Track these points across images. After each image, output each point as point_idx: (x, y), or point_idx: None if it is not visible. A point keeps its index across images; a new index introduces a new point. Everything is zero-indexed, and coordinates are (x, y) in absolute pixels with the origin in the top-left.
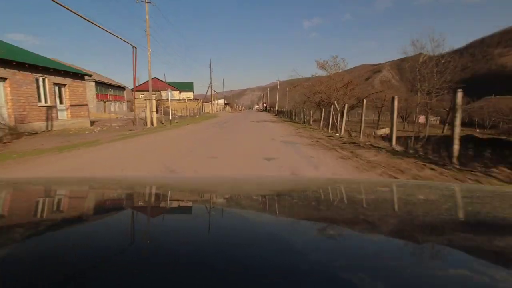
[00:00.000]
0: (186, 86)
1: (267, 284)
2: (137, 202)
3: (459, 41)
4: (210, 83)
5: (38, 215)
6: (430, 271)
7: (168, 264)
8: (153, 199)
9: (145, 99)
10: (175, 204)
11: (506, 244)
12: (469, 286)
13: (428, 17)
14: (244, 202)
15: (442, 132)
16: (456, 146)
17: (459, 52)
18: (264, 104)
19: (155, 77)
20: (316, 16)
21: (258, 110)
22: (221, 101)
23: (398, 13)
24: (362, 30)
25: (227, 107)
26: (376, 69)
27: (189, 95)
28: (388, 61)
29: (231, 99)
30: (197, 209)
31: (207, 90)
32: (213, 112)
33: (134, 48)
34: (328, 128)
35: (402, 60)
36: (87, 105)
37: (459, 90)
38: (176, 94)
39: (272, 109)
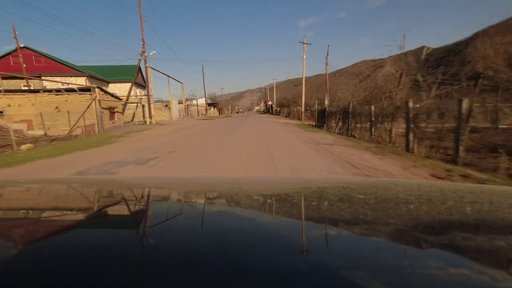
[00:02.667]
0: (122, 72)
1: (267, 284)
2: (136, 202)
3: (460, 34)
4: (143, 50)
5: (35, 216)
6: (430, 271)
7: (167, 264)
8: (152, 199)
9: None
10: (174, 204)
11: (506, 244)
12: (469, 286)
13: (427, 9)
14: (243, 202)
15: None
16: None
17: (463, 44)
18: (269, 103)
19: (24, 47)
20: (311, 15)
21: (258, 112)
22: (202, 101)
23: (394, 6)
24: (359, 26)
25: (212, 109)
26: (378, 64)
27: (125, 87)
28: (390, 56)
29: (229, 102)
30: (196, 209)
31: (137, 70)
32: (153, 121)
33: None
34: None
35: (405, 54)
36: None
37: None
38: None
39: (284, 109)
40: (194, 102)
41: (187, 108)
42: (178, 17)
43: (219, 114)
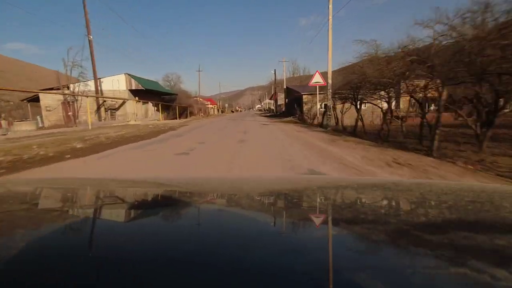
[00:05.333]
0: None
1: (268, 284)
2: (134, 202)
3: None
4: None
5: (38, 216)
6: (430, 270)
7: (167, 264)
8: (151, 199)
9: None
10: (173, 204)
11: (506, 243)
12: (470, 286)
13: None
14: (243, 202)
15: None
16: None
17: None
18: (323, 81)
19: None
20: (314, 13)
21: (260, 111)
22: (123, 86)
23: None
24: (361, 23)
25: (149, 109)
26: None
27: None
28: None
29: (229, 101)
30: (196, 208)
31: None
32: None
33: None
34: None
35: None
36: None
37: None
38: None
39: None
40: (89, 87)
41: (69, 104)
42: (172, 12)
43: (173, 119)
